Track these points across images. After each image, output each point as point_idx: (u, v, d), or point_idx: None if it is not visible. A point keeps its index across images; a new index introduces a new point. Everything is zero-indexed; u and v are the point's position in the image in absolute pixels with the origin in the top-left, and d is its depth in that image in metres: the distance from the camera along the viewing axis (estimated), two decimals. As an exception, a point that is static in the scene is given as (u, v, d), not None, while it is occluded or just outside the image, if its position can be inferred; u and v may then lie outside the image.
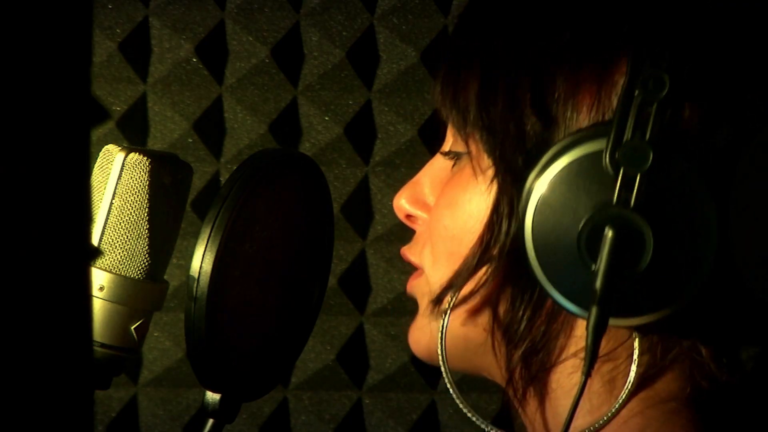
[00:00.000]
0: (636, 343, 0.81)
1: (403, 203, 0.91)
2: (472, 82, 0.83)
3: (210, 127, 1.62)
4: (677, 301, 0.78)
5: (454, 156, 0.87)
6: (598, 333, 0.77)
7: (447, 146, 0.88)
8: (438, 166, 0.89)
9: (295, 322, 0.98)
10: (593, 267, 0.76)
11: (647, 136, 0.75)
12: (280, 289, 0.95)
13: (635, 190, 0.75)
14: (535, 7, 0.83)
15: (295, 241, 0.96)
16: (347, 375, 1.63)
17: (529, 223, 0.78)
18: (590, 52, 0.80)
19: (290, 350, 0.98)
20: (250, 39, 1.61)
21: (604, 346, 0.81)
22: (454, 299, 0.84)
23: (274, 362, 0.97)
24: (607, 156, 0.76)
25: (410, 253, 0.90)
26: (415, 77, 1.63)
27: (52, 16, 0.48)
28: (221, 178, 1.61)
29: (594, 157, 0.77)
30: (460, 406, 0.86)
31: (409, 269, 1.64)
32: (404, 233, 1.62)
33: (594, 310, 0.76)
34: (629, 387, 0.81)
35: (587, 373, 0.78)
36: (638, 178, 0.75)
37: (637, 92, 0.75)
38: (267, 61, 1.61)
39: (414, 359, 1.63)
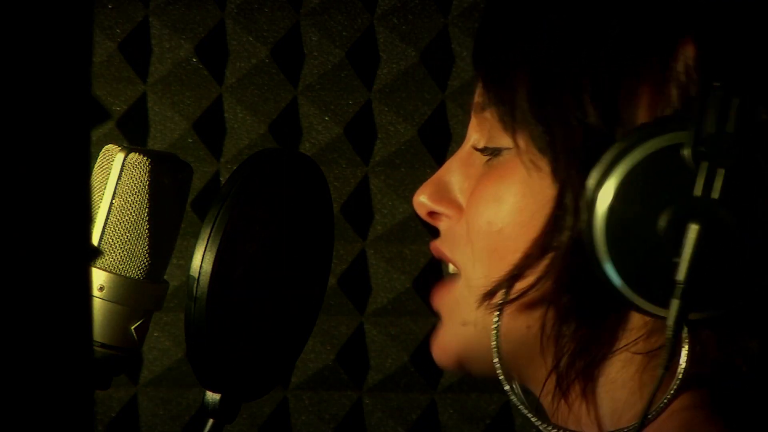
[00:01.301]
0: (686, 340, 0.80)
1: (423, 200, 0.89)
2: (521, 77, 0.82)
3: (210, 127, 1.62)
4: (748, 296, 0.78)
5: (492, 152, 0.85)
6: (679, 327, 0.77)
7: (480, 142, 0.86)
8: (465, 161, 0.88)
9: (295, 322, 0.98)
10: (675, 260, 0.76)
11: (731, 129, 0.76)
12: (280, 288, 0.95)
13: (719, 184, 0.76)
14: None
15: (295, 241, 0.96)
16: (347, 375, 1.63)
17: (600, 218, 0.78)
18: (648, 43, 0.79)
19: (290, 350, 0.98)
20: (250, 39, 1.61)
21: (656, 340, 0.81)
22: (506, 296, 0.83)
23: (274, 362, 0.97)
24: (689, 149, 0.76)
25: (445, 248, 0.88)
26: (415, 77, 1.63)
27: (53, 16, 0.48)
28: (221, 178, 1.61)
29: (670, 151, 0.77)
30: (519, 405, 0.85)
31: (410, 269, 1.64)
32: (404, 233, 1.63)
33: (675, 304, 0.77)
34: (677, 383, 0.81)
35: (666, 367, 0.78)
36: (723, 171, 0.76)
37: (716, 84, 0.76)
38: (267, 61, 1.61)
39: (414, 359, 1.63)
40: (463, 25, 1.63)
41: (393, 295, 1.63)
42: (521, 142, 0.82)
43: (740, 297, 0.78)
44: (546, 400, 0.86)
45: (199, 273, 0.88)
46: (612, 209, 0.78)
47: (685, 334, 0.80)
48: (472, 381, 1.61)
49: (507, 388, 0.85)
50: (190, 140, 1.61)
